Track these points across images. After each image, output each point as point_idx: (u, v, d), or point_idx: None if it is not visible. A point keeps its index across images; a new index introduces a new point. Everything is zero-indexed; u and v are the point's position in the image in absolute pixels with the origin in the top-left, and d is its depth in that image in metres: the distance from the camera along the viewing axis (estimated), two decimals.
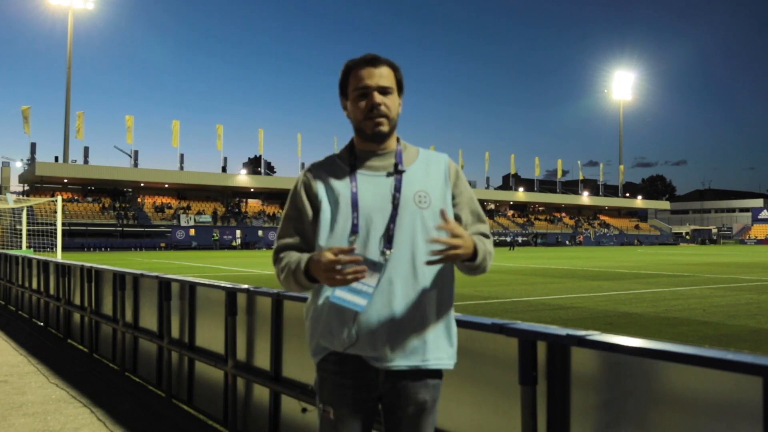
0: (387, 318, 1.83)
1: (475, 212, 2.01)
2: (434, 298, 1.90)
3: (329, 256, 1.73)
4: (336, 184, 1.92)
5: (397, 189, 1.89)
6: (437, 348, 1.90)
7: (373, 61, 1.91)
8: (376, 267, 1.79)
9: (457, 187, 1.99)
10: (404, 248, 1.85)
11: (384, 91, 1.90)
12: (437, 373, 1.94)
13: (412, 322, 1.85)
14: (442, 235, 1.87)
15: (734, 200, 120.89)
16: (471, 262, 1.86)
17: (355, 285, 1.78)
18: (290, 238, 1.97)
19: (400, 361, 1.85)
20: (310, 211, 1.94)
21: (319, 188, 1.94)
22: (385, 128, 1.90)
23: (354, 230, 1.85)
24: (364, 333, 1.83)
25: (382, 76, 1.90)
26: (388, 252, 1.83)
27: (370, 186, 1.90)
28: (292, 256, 1.89)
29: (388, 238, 1.85)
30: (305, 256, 1.84)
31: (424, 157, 2.00)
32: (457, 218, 1.96)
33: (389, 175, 1.92)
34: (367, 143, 1.95)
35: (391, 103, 1.91)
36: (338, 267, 1.72)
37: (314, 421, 2.01)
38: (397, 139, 2.01)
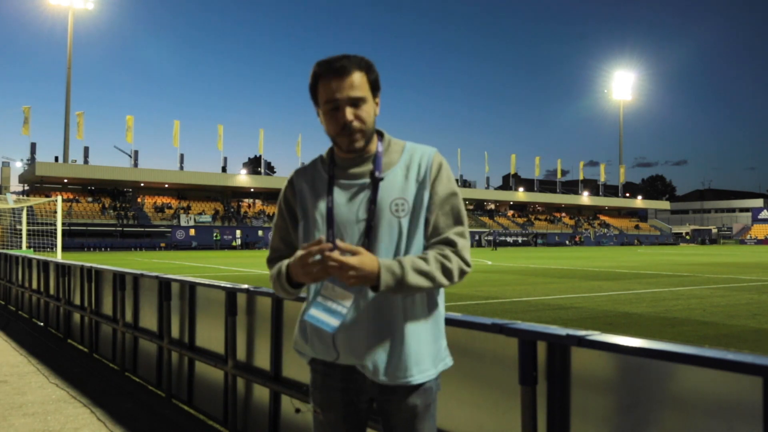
0: (365, 336, 1.78)
1: (450, 213, 1.85)
2: (416, 314, 1.83)
3: (300, 251, 1.70)
4: (313, 195, 1.88)
5: (372, 200, 1.81)
6: (422, 362, 1.83)
7: (341, 71, 1.77)
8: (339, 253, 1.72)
9: (434, 185, 1.84)
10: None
11: (356, 102, 1.78)
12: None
13: (394, 342, 1.79)
14: (419, 243, 1.82)
15: (734, 200, 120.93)
16: (374, 291, 1.72)
17: (329, 304, 1.74)
18: (279, 247, 1.98)
19: (383, 377, 1.80)
20: (291, 222, 1.94)
21: (298, 199, 1.91)
22: (359, 144, 1.82)
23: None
24: (344, 351, 1.81)
25: (353, 86, 1.77)
26: None
27: (346, 198, 1.84)
28: (279, 265, 1.88)
29: None
30: (285, 262, 1.83)
31: (407, 156, 1.88)
32: (426, 221, 1.83)
33: (365, 185, 1.84)
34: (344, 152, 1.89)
35: (366, 113, 1.80)
36: (311, 260, 1.66)
37: (312, 420, 2.01)
38: (381, 135, 1.91)
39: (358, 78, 1.78)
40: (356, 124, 1.79)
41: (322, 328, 1.75)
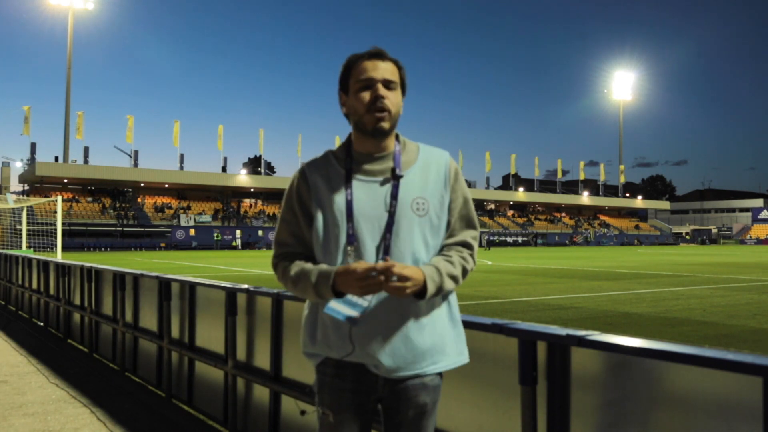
0: (384, 329, 1.79)
1: (466, 217, 1.94)
2: (435, 307, 1.86)
3: (364, 265, 1.70)
4: (330, 190, 1.85)
5: (394, 196, 1.82)
6: (438, 354, 1.85)
7: (380, 55, 1.84)
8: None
9: (454, 190, 1.92)
10: (403, 257, 1.79)
11: (388, 85, 1.83)
12: (437, 375, 1.92)
13: (411, 333, 1.81)
14: (438, 243, 1.88)
15: (734, 200, 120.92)
16: (419, 298, 1.78)
17: (350, 297, 1.75)
18: (289, 242, 1.92)
19: (399, 372, 1.82)
20: (303, 217, 1.89)
21: (313, 193, 1.87)
22: (386, 124, 1.83)
23: (350, 241, 1.80)
24: (360, 344, 1.80)
25: (387, 70, 1.83)
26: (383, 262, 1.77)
27: (366, 193, 1.83)
28: (307, 267, 1.83)
29: (385, 248, 1.79)
30: (328, 270, 1.78)
31: (425, 157, 1.91)
32: (448, 223, 1.91)
33: (386, 181, 1.85)
34: (365, 142, 1.87)
35: (395, 99, 1.84)
36: (373, 274, 1.68)
37: (314, 421, 2.00)
38: (397, 137, 1.93)
39: (392, 67, 1.87)
40: (387, 102, 1.82)
41: (341, 320, 1.75)
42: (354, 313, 1.74)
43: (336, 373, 1.87)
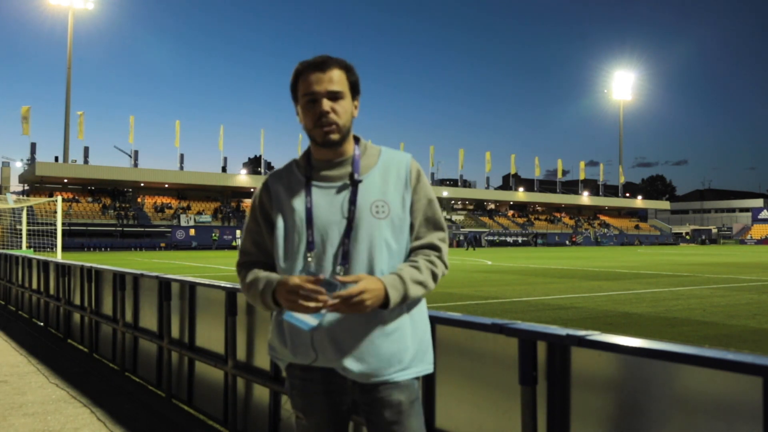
0: (343, 335, 1.79)
1: (431, 219, 1.90)
2: (396, 313, 1.83)
3: (295, 280, 1.72)
4: (291, 197, 1.87)
5: (352, 201, 1.82)
6: (403, 360, 1.83)
7: (322, 65, 1.82)
8: (331, 286, 1.71)
9: (416, 192, 1.89)
10: (361, 262, 1.79)
11: (334, 96, 1.81)
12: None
13: (376, 339, 1.79)
14: (402, 245, 1.85)
15: (734, 200, 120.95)
16: (383, 308, 1.75)
17: None
18: (251, 251, 1.96)
19: (364, 378, 1.81)
20: (266, 226, 1.92)
21: (274, 202, 1.90)
22: (335, 136, 1.83)
23: (310, 247, 1.81)
24: (321, 350, 1.80)
25: (332, 80, 1.81)
26: (342, 268, 1.78)
27: (325, 199, 1.84)
28: (260, 276, 1.86)
29: (343, 254, 1.79)
30: (275, 281, 1.80)
31: (385, 160, 1.90)
32: (411, 226, 1.88)
33: (344, 186, 1.85)
34: (321, 151, 1.88)
35: (342, 109, 1.83)
36: (301, 293, 1.69)
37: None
38: (357, 140, 1.93)
39: (337, 74, 1.83)
40: (332, 116, 1.82)
41: (300, 327, 1.74)
42: (311, 320, 1.73)
43: (305, 376, 1.87)
